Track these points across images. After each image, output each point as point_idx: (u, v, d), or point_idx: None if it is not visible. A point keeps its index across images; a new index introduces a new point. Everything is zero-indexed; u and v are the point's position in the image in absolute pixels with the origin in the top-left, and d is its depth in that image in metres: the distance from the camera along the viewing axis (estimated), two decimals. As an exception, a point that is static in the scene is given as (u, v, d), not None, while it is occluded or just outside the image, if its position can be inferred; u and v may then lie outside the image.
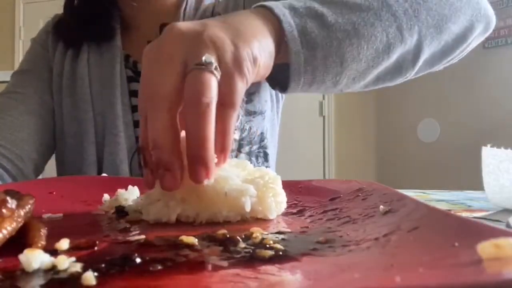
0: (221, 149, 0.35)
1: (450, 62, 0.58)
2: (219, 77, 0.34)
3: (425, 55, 0.52)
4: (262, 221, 0.35)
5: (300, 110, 2.95)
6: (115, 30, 0.76)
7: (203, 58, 0.33)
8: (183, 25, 0.37)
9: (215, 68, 0.34)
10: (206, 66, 0.33)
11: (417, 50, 0.51)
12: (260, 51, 0.38)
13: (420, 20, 0.50)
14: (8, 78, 0.78)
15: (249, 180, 0.37)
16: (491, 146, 0.53)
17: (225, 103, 0.34)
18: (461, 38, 0.54)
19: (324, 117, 3.52)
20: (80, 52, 0.75)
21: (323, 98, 3.50)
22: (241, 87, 0.35)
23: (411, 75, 0.55)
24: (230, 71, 0.35)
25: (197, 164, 0.32)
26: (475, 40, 0.57)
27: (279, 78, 0.49)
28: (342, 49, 0.45)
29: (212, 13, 0.76)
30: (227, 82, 0.34)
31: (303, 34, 0.44)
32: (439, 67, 0.58)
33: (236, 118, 0.35)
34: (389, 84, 0.56)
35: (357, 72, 0.48)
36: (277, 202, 0.37)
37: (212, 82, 0.33)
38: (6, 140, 0.68)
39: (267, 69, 0.40)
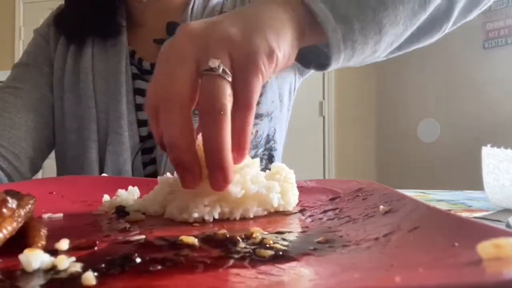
0: (239, 148, 0.34)
1: (480, 10, 0.56)
2: (230, 79, 0.33)
3: (460, 4, 0.50)
4: (263, 221, 0.35)
5: (300, 110, 2.94)
6: (121, 27, 0.75)
7: (209, 62, 0.33)
8: (195, 24, 0.36)
9: (223, 71, 0.33)
10: (213, 71, 0.33)
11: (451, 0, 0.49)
12: (278, 41, 0.36)
13: None
14: (8, 79, 0.78)
15: (269, 177, 0.40)
16: (491, 146, 0.53)
17: (240, 103, 0.34)
18: None
19: (324, 117, 3.52)
20: (84, 46, 0.74)
21: (323, 98, 3.50)
22: (256, 84, 0.34)
23: (447, 28, 0.53)
24: (244, 68, 0.34)
25: (215, 172, 0.33)
26: None
27: (311, 58, 0.47)
28: (378, 16, 0.43)
29: (221, 11, 0.75)
30: (241, 81, 0.34)
31: (334, 9, 0.41)
32: (474, 14, 0.55)
33: (253, 116, 0.34)
34: (425, 42, 0.54)
35: (395, 36, 0.46)
36: (293, 195, 0.40)
37: (223, 87, 0.33)
38: (3, 138, 0.67)
39: (287, 59, 0.39)
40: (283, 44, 0.37)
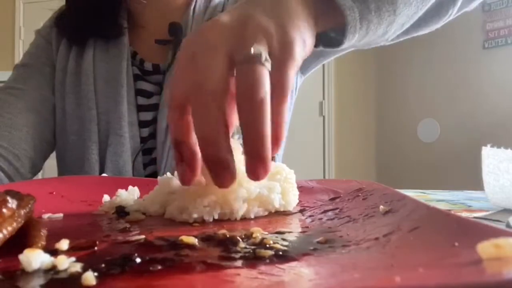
0: (276, 139, 0.33)
1: None
2: (270, 68, 0.32)
3: None
4: (263, 221, 0.35)
5: (300, 110, 2.94)
6: (122, 28, 0.74)
7: (252, 49, 0.32)
8: (226, 17, 0.35)
9: (265, 60, 0.32)
10: (256, 58, 0.32)
11: None
12: (307, 30, 0.36)
13: None
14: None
15: (270, 177, 0.39)
16: (491, 146, 0.53)
17: (276, 94, 0.33)
18: None
19: (324, 117, 3.52)
20: (85, 48, 0.74)
21: (323, 98, 3.50)
22: (292, 74, 0.34)
23: (453, 13, 0.53)
24: (282, 58, 0.33)
25: (256, 162, 0.31)
26: None
27: (321, 38, 0.47)
28: None
29: (222, 11, 0.74)
30: (278, 70, 0.33)
31: None
32: (478, 1, 0.56)
33: (289, 105, 0.34)
34: (432, 27, 0.54)
35: (407, 17, 0.46)
36: (294, 195, 0.40)
37: (264, 75, 0.32)
38: (4, 139, 0.67)
39: (312, 48, 0.39)
40: (309, 34, 0.37)
